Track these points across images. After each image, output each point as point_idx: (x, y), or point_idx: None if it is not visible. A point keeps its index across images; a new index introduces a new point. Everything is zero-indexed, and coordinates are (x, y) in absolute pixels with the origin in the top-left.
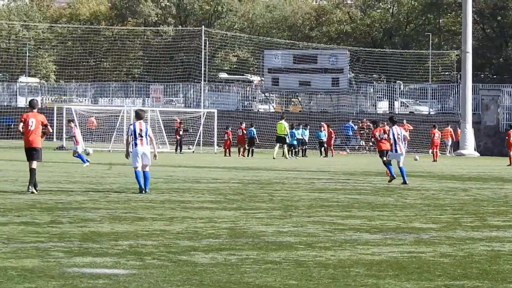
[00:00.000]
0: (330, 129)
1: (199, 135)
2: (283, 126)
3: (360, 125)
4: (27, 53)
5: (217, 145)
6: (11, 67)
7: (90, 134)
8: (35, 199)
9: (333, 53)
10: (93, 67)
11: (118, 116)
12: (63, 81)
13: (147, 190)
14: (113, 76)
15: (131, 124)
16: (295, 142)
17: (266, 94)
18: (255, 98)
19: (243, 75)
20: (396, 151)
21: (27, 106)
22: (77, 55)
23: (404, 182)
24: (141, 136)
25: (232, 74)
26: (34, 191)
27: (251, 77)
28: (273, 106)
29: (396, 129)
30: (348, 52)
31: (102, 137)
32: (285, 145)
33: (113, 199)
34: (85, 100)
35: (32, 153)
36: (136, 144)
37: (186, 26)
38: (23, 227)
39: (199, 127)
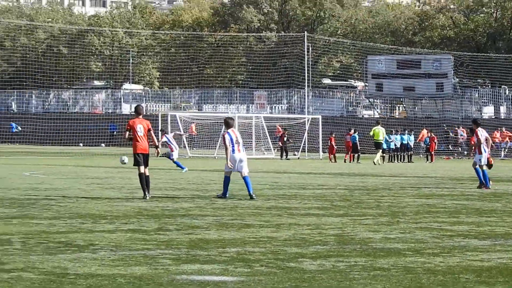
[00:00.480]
0: (431, 134)
1: (304, 141)
2: (381, 132)
3: (445, 129)
4: (131, 60)
5: (322, 151)
6: (115, 74)
7: (191, 141)
8: (141, 207)
9: (437, 58)
10: (197, 73)
11: (222, 123)
12: (167, 88)
13: (252, 195)
14: (217, 82)
15: (226, 133)
16: (391, 147)
17: (370, 100)
18: (359, 103)
19: (346, 80)
20: (482, 152)
21: (132, 113)
22: (180, 62)
23: (482, 185)
24: (238, 143)
25: (335, 80)
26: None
27: (354, 82)
28: (377, 112)
29: (482, 131)
30: (452, 57)
31: (207, 144)
32: (380, 150)
33: (220, 206)
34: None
35: (144, 158)
36: (233, 151)
37: (289, 32)
38: (131, 234)
39: (303, 133)
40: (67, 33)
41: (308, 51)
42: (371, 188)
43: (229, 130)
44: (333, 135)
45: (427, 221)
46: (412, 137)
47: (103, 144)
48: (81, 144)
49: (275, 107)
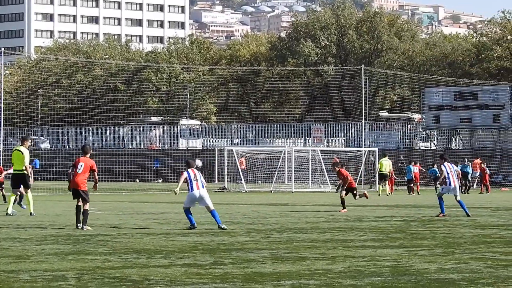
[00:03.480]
0: (483, 165)
1: (360, 174)
2: (386, 164)
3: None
4: (188, 95)
5: (378, 183)
6: (172, 109)
7: (239, 174)
8: (197, 241)
9: (494, 89)
10: (254, 108)
11: (279, 157)
12: (224, 123)
13: (222, 226)
14: (274, 116)
15: (186, 171)
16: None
17: (427, 132)
18: (416, 136)
19: (404, 113)
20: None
21: (187, 148)
22: (238, 97)
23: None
24: (196, 180)
25: (392, 112)
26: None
27: (411, 115)
28: (434, 144)
29: (448, 165)
30: (509, 88)
31: (263, 178)
32: (387, 182)
33: (275, 239)
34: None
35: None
36: (192, 188)
37: (346, 65)
38: (186, 268)
39: (360, 166)
40: (124, 70)
41: (365, 84)
42: (426, 220)
43: (189, 169)
44: (392, 168)
45: (482, 251)
46: (470, 169)
47: (159, 180)
48: (137, 180)
49: (332, 140)
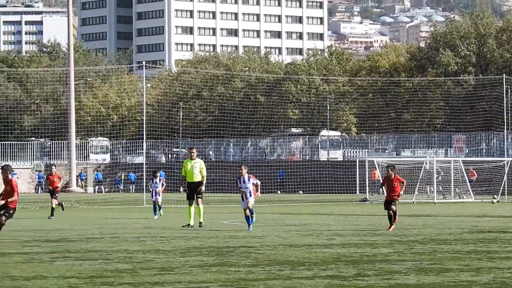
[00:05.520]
0: None
1: (504, 185)
2: None
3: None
4: (328, 106)
5: None
6: (312, 121)
7: (372, 185)
8: (340, 253)
9: None
10: (394, 118)
11: (421, 167)
12: (364, 134)
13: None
14: (415, 127)
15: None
16: None
17: None
18: None
19: None
20: None
21: (328, 159)
22: (378, 107)
23: None
24: None
25: None
26: None
27: None
28: None
29: None
30: None
31: (406, 189)
32: None
33: (419, 250)
34: (387, 151)
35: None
36: None
37: (487, 74)
38: (329, 280)
39: (503, 176)
40: (264, 82)
41: (507, 93)
42: None
43: None
44: None
45: None
46: None
47: (300, 191)
48: (278, 192)
49: (474, 150)
